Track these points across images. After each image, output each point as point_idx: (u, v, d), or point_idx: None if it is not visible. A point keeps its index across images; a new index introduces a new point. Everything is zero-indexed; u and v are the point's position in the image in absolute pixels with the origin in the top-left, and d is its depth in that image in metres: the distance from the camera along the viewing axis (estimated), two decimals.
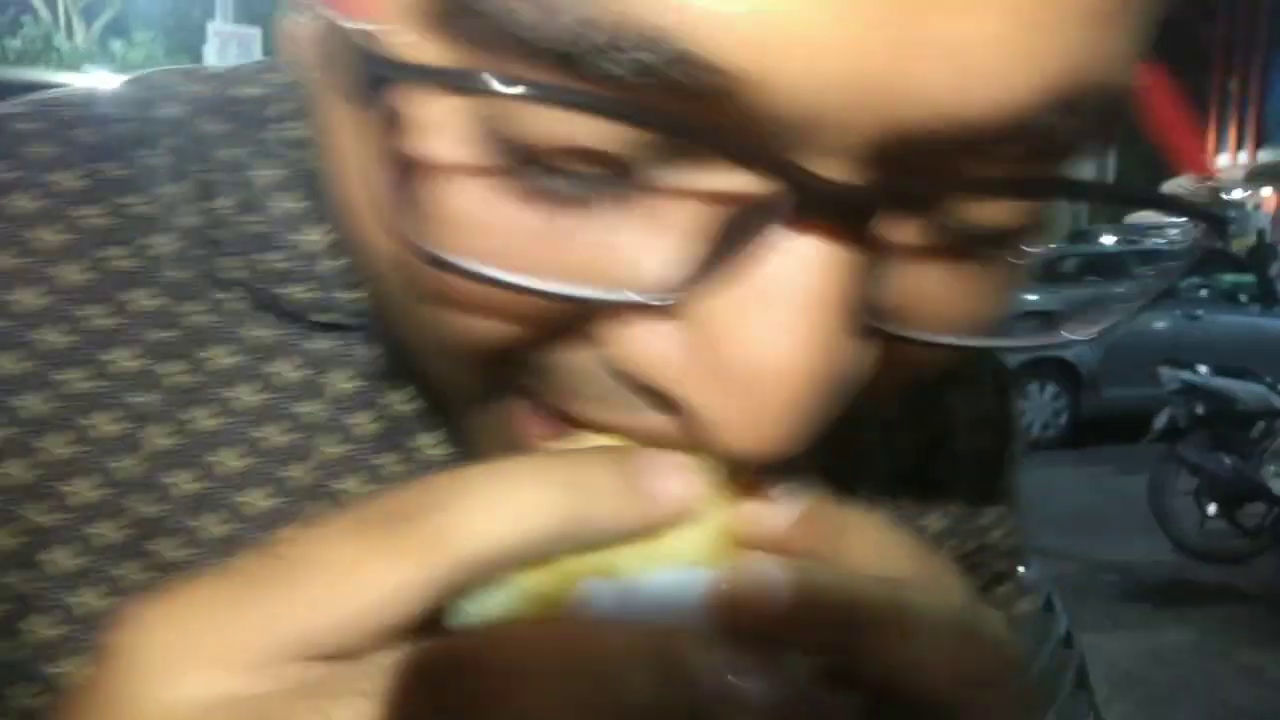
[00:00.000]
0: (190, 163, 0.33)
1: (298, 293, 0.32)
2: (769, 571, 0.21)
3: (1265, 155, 25.57)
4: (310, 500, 0.32)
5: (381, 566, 0.20)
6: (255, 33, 8.31)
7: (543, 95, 0.19)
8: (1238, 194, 24.89)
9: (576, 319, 0.22)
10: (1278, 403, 4.70)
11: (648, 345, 0.22)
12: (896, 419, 0.41)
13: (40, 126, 0.32)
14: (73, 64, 9.88)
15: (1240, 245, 15.95)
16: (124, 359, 0.31)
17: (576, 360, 0.23)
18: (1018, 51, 0.19)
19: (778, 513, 0.23)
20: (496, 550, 0.20)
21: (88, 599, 0.31)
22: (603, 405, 0.23)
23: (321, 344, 0.33)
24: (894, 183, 0.20)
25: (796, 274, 0.20)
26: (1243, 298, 8.13)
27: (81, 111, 0.33)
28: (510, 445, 0.26)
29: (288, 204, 0.32)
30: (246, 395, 0.32)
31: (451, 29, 0.20)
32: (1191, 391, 4.91)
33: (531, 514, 0.20)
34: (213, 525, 0.31)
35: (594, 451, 0.23)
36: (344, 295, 0.32)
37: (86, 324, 0.31)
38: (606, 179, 0.21)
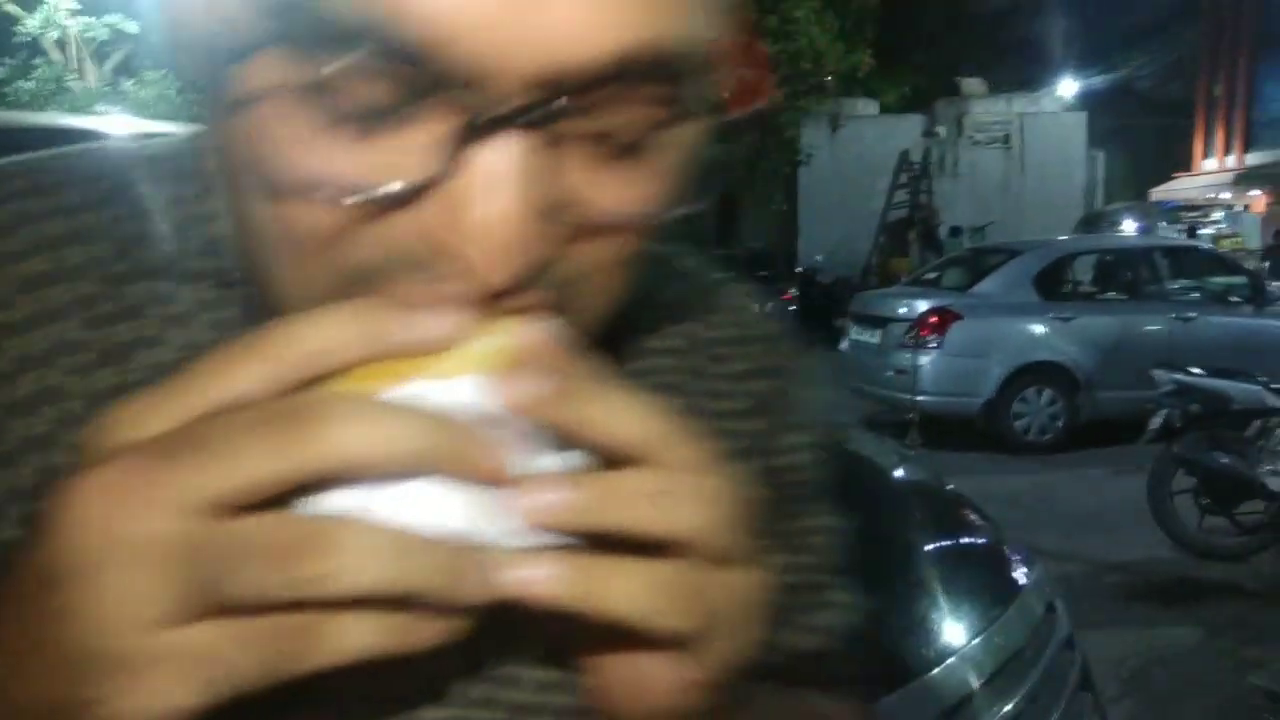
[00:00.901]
0: (122, 193, 0.44)
1: (213, 265, 0.43)
2: (532, 373, 0.30)
3: (1253, 158, 25.67)
4: None
5: (238, 368, 0.30)
6: None
7: (314, 78, 0.30)
8: (1225, 196, 24.98)
9: (378, 214, 0.33)
10: (1272, 401, 4.72)
11: (429, 216, 0.32)
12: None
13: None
14: (86, 104, 9.95)
15: (1231, 246, 16.04)
16: (72, 329, 0.42)
17: (383, 242, 0.33)
18: (604, 16, 0.30)
19: (537, 335, 0.31)
20: (320, 359, 0.30)
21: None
22: (412, 274, 0.33)
23: (232, 310, 0.43)
24: (549, 104, 0.31)
25: (498, 163, 0.31)
26: (1234, 299, 8.18)
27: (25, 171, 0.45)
28: None
29: (200, 211, 0.44)
30: (171, 350, 0.42)
31: (273, 34, 0.31)
32: (1186, 392, 4.94)
33: (343, 331, 0.30)
34: None
35: (392, 300, 0.31)
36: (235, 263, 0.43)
37: (50, 299, 0.42)
38: (390, 117, 0.32)
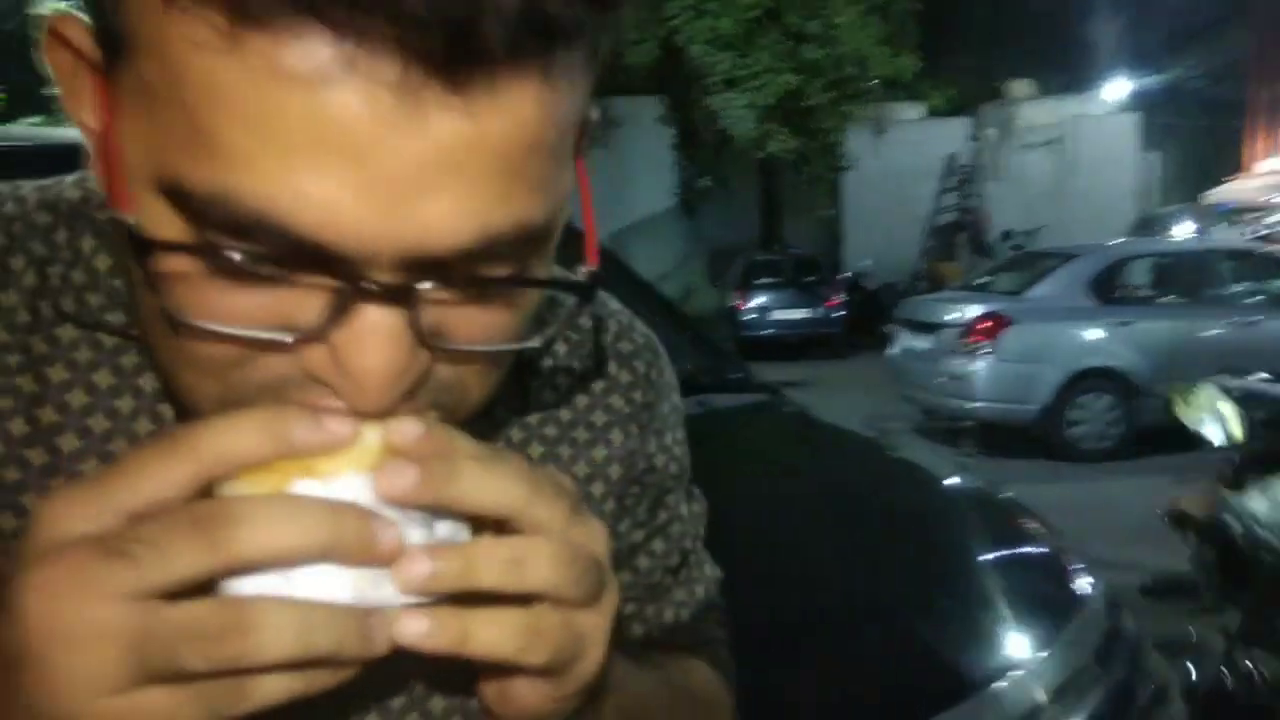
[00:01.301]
0: (27, 242, 0.48)
1: (115, 319, 0.47)
2: (404, 467, 0.36)
3: None
4: None
5: (160, 468, 0.34)
6: None
7: (213, 256, 0.35)
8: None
9: (270, 349, 0.38)
10: None
11: (313, 358, 0.37)
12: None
13: None
14: None
15: None
16: None
17: (275, 370, 0.38)
18: (460, 215, 0.35)
19: (408, 433, 0.36)
20: (233, 460, 0.34)
21: None
22: (298, 393, 0.39)
23: (133, 358, 0.48)
24: (415, 277, 0.36)
25: (374, 324, 0.36)
26: None
27: None
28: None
29: (101, 263, 0.48)
30: (78, 398, 0.47)
31: (174, 202, 0.35)
32: (1249, 398, 4.81)
33: (253, 438, 0.34)
34: (57, 485, 0.46)
35: (293, 408, 0.36)
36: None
37: None
38: (280, 280, 0.36)
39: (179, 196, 0.35)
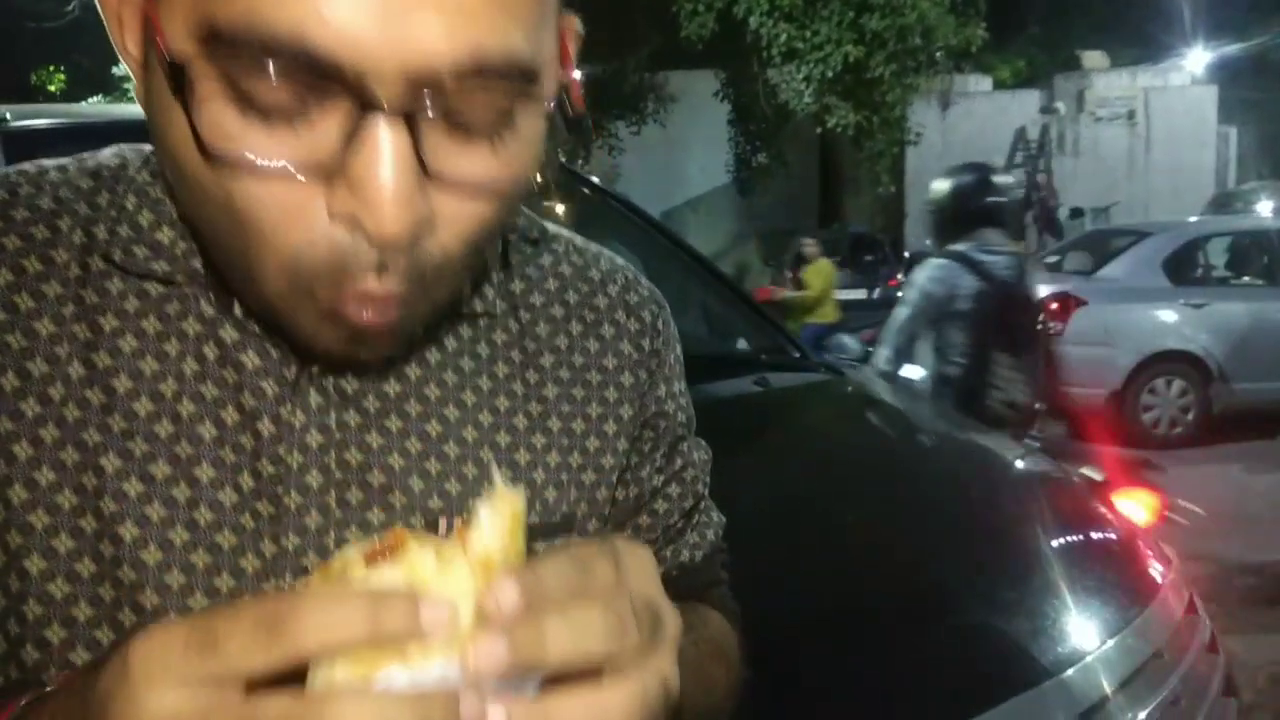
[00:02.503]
0: (73, 204, 0.52)
1: (160, 268, 0.51)
2: (494, 644, 0.35)
3: None
4: (179, 402, 0.51)
5: (259, 645, 0.33)
6: None
7: (241, 77, 0.40)
8: None
9: (308, 196, 0.42)
10: None
11: (336, 199, 0.42)
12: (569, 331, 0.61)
13: None
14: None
15: None
16: (46, 326, 0.50)
17: (306, 222, 0.42)
18: (452, 32, 0.40)
19: (505, 602, 0.35)
20: (332, 646, 0.33)
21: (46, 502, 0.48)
22: (335, 254, 0.43)
23: (176, 306, 0.52)
24: (418, 101, 0.41)
25: (385, 145, 0.40)
26: None
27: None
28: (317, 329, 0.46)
29: (144, 219, 0.52)
30: (129, 343, 0.50)
31: (209, 48, 0.40)
32: None
33: (348, 628, 0.33)
34: (119, 420, 0.50)
35: (392, 593, 0.35)
36: (192, 264, 0.52)
37: (19, 305, 0.50)
38: (301, 113, 0.41)
39: (214, 41, 0.40)
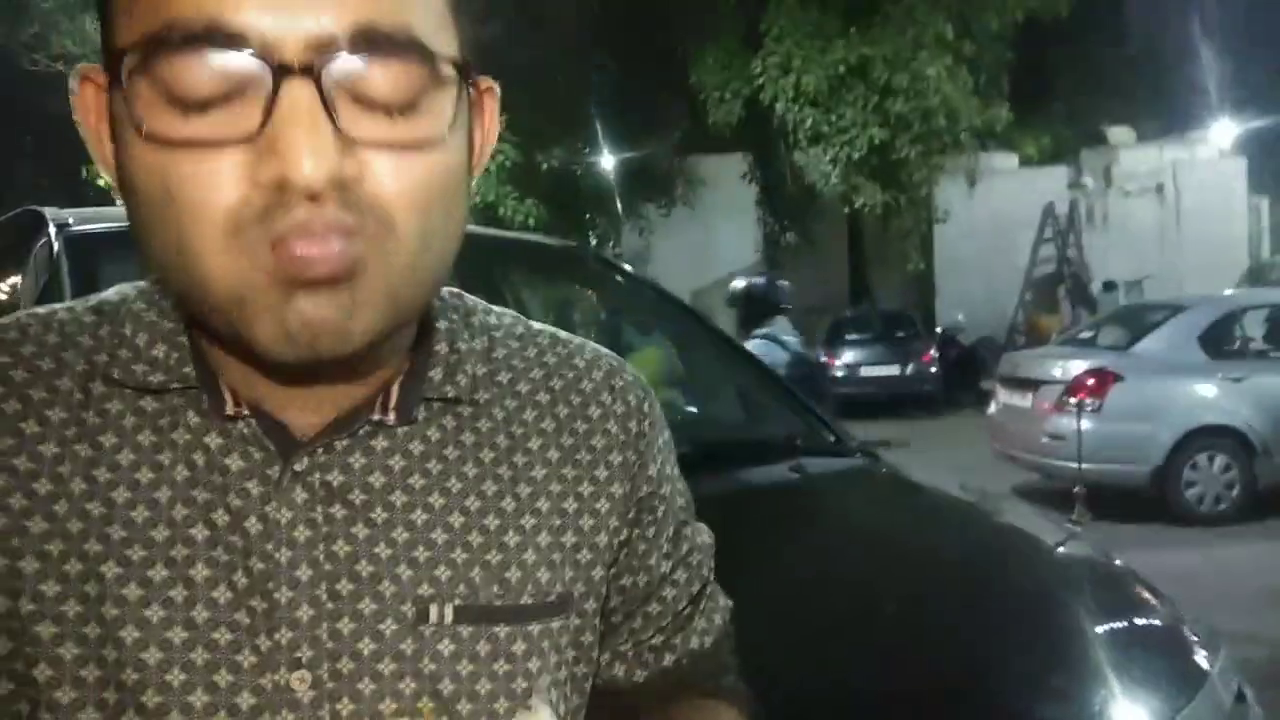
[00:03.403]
0: (76, 337, 0.57)
1: (156, 380, 0.55)
2: None
3: None
4: (172, 507, 0.54)
5: None
6: None
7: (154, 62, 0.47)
8: None
9: (228, 164, 0.47)
10: None
11: (262, 168, 0.46)
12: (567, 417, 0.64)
13: None
14: None
15: None
16: (50, 448, 0.54)
17: (244, 186, 0.47)
18: (345, 2, 0.47)
19: None
20: None
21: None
22: (277, 212, 0.47)
23: (168, 420, 0.55)
24: (324, 60, 0.46)
25: (296, 103, 0.46)
26: None
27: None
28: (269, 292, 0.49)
29: (140, 340, 0.57)
30: (126, 457, 0.54)
31: (147, 59, 0.47)
32: None
33: None
34: (118, 529, 0.53)
35: None
36: (183, 370, 0.56)
37: (26, 430, 0.54)
38: (223, 98, 0.46)
39: (149, 46, 0.46)
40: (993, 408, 8.46)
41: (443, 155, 0.50)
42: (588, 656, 0.62)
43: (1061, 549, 1.89)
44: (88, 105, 0.53)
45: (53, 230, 2.02)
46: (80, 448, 0.54)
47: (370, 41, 0.47)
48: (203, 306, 0.50)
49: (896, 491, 2.07)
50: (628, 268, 2.90)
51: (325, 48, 0.46)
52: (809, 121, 14.29)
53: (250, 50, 0.46)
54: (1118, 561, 1.96)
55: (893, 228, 16.20)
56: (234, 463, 0.54)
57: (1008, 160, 20.97)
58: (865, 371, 14.12)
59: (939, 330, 16.42)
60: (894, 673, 1.31)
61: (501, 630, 0.57)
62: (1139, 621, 1.74)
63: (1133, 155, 21.91)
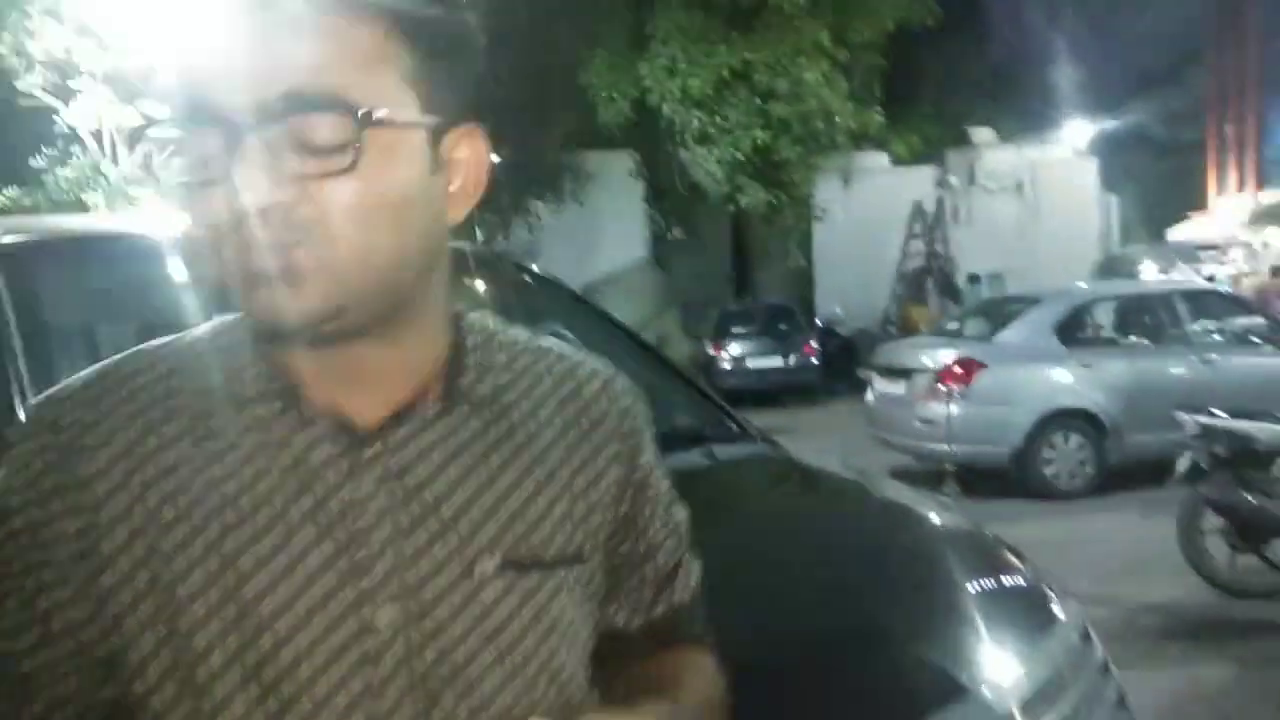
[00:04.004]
0: (188, 362, 0.73)
1: (252, 392, 0.70)
2: None
3: (1266, 196, 25.71)
4: (271, 494, 0.68)
5: None
6: None
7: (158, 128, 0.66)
8: (1241, 234, 24.99)
9: (217, 198, 0.62)
10: None
11: (232, 203, 0.62)
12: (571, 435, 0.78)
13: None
14: (119, 189, 10.38)
15: (1253, 284, 16.08)
16: (168, 457, 0.69)
17: (222, 214, 0.63)
18: (274, 74, 0.61)
19: None
20: None
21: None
22: (237, 230, 0.63)
23: (263, 425, 0.70)
24: (264, 119, 0.61)
25: (244, 152, 0.61)
26: (1255, 339, 8.28)
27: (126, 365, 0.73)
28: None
29: (236, 362, 0.71)
30: (235, 458, 0.69)
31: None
32: (1210, 434, 5.04)
33: None
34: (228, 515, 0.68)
35: None
36: (272, 385, 0.70)
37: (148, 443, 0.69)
38: (210, 155, 0.63)
39: (171, 121, 0.65)
40: (869, 396, 8.91)
41: (379, 182, 0.63)
42: (595, 600, 0.78)
43: (935, 518, 2.15)
44: None
45: None
46: (196, 453, 0.68)
47: (297, 103, 0.61)
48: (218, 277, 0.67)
49: (795, 473, 2.30)
50: (534, 268, 3.05)
51: (263, 111, 0.61)
52: (695, 123, 14.64)
53: (213, 120, 0.62)
54: (984, 531, 2.24)
55: (775, 225, 16.71)
56: (316, 455, 0.69)
57: (880, 160, 21.78)
58: (751, 363, 14.52)
59: (818, 322, 17.01)
60: (803, 621, 1.53)
61: (534, 575, 0.72)
62: (1003, 578, 2.01)
63: (994, 155, 23.07)
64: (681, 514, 0.86)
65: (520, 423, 0.76)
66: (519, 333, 0.82)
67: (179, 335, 0.75)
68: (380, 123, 0.63)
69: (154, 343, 0.74)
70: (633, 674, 0.80)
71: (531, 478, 0.75)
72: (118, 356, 0.74)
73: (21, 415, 1.65)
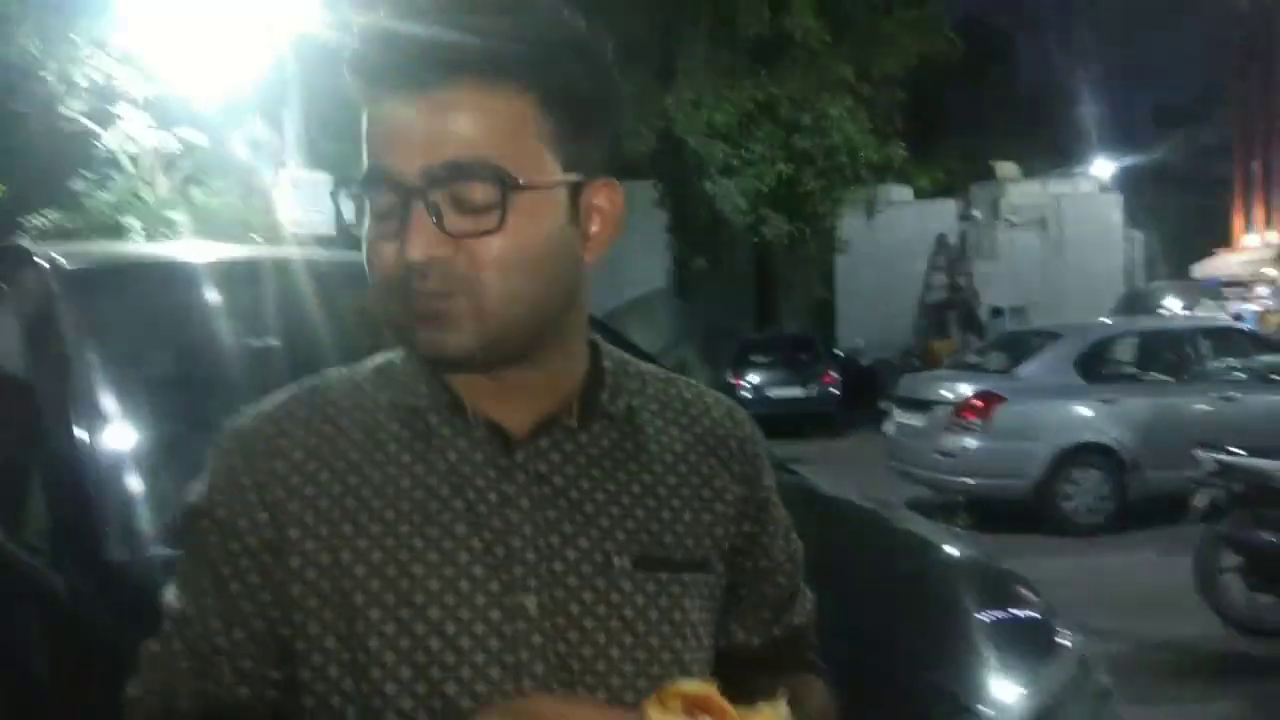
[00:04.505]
0: (358, 385, 0.83)
1: (414, 403, 0.80)
2: None
3: None
4: (432, 492, 0.77)
5: None
6: (322, 177, 8.98)
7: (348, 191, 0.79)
8: (1268, 271, 24.83)
9: (392, 250, 0.73)
10: None
11: (396, 245, 0.73)
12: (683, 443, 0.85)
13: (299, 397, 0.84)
14: (157, 212, 10.63)
15: (1273, 324, 15.99)
16: (339, 461, 0.79)
17: (395, 264, 0.73)
18: (433, 141, 0.72)
19: None
20: None
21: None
22: (401, 280, 0.72)
23: (425, 434, 0.79)
24: (431, 184, 0.71)
25: (413, 213, 0.71)
26: (1276, 377, 8.27)
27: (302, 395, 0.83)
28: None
29: (401, 379, 0.81)
30: (394, 459, 0.78)
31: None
32: (1228, 472, 5.07)
33: None
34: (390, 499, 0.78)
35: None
36: (434, 398, 0.80)
37: (321, 452, 0.79)
38: (389, 210, 0.73)
39: (361, 184, 0.75)
40: (889, 427, 8.94)
41: (523, 237, 0.72)
42: (718, 607, 0.84)
43: (949, 550, 2.22)
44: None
45: (45, 266, 2.16)
46: (370, 455, 0.78)
47: (457, 170, 0.70)
48: (393, 334, 0.78)
49: (812, 500, 2.38)
50: None
51: (431, 177, 0.70)
52: (720, 155, 14.81)
53: (390, 181, 0.72)
54: (994, 561, 2.31)
55: (797, 256, 16.81)
56: (475, 457, 0.78)
57: (904, 193, 21.87)
58: (770, 393, 14.53)
59: (839, 353, 17.05)
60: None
61: (664, 575, 0.79)
62: (1011, 609, 2.08)
63: (1019, 189, 23.13)
64: (799, 544, 0.91)
65: (652, 437, 0.83)
66: (647, 365, 0.91)
67: (355, 364, 0.85)
68: (525, 187, 0.72)
69: (335, 368, 0.85)
70: (751, 691, 0.88)
71: (662, 486, 0.82)
72: (304, 380, 0.84)
73: (76, 431, 1.77)
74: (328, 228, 8.73)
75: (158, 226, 10.61)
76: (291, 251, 3.50)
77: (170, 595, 0.80)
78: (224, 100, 10.38)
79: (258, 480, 0.77)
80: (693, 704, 0.60)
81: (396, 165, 0.71)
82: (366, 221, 0.74)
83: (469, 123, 0.71)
